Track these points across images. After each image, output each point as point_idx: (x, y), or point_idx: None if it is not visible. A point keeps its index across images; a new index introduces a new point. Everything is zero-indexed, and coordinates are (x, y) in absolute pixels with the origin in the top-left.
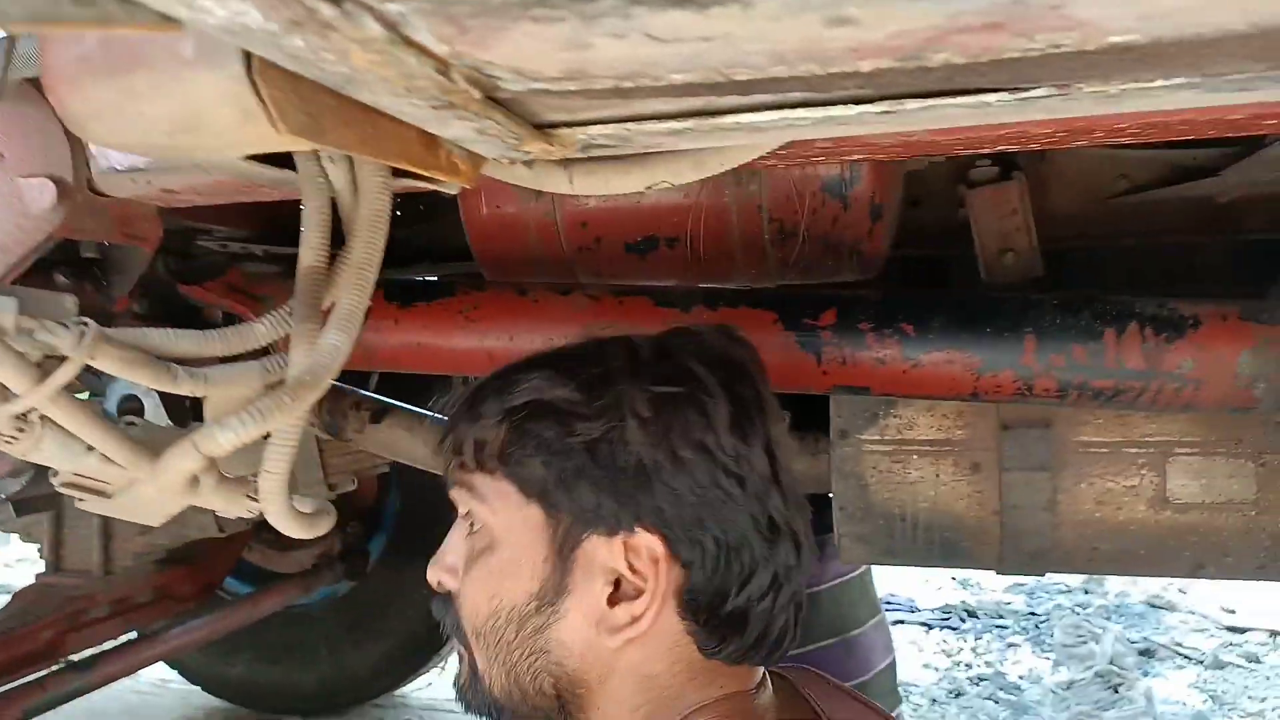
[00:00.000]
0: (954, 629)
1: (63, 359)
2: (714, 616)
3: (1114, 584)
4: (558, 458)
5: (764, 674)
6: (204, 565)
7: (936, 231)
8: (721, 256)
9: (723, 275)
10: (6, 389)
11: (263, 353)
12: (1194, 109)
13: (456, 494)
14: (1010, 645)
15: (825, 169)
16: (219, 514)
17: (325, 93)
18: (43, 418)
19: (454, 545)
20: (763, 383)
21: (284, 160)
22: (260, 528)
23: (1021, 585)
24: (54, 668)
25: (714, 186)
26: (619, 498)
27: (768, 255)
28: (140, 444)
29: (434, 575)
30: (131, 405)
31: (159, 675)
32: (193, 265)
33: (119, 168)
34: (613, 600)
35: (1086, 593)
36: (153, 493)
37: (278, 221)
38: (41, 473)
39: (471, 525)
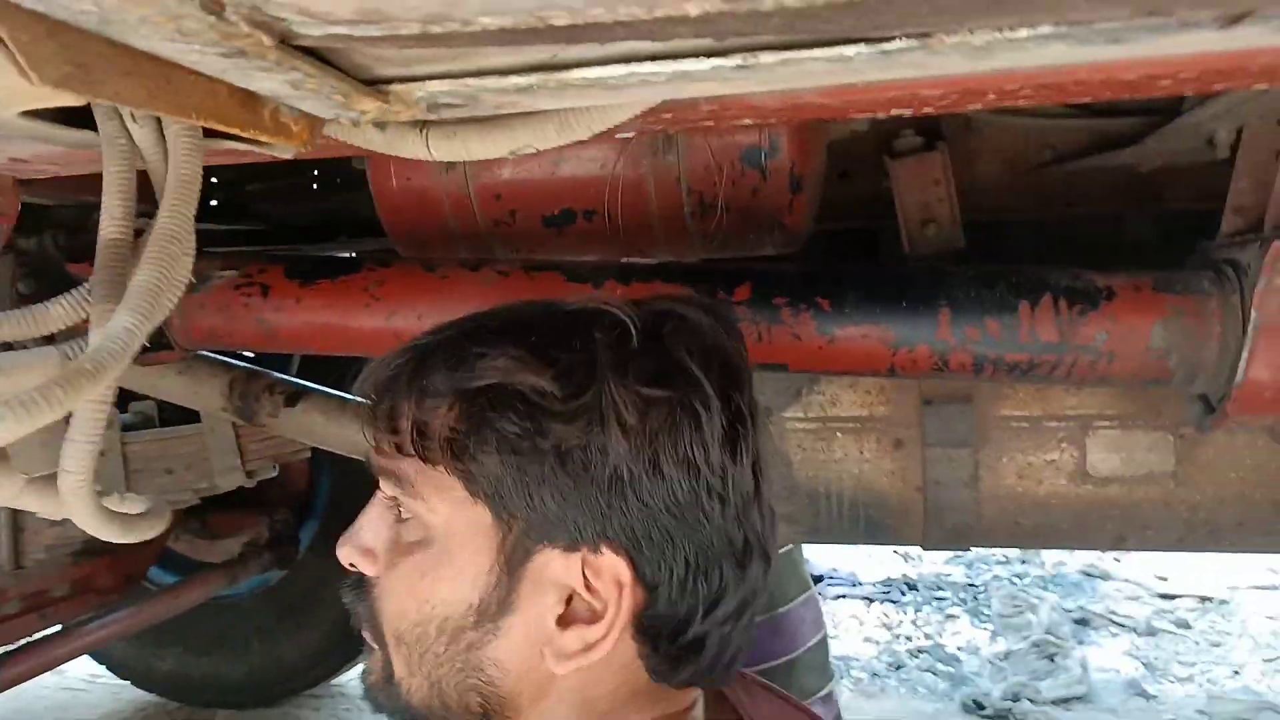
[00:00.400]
0: (894, 602)
1: None
2: (672, 643)
3: (1051, 555)
4: (520, 458)
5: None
6: (125, 557)
7: (865, 204)
8: (641, 229)
9: (643, 249)
10: None
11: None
12: (1082, 65)
13: (385, 480)
14: (949, 617)
15: (744, 138)
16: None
17: (98, 40)
18: None
19: (372, 523)
20: (752, 383)
21: (89, 121)
22: (186, 516)
23: (960, 557)
24: None
25: (631, 157)
26: (586, 511)
27: (688, 228)
28: None
29: (346, 555)
30: None
31: (88, 671)
32: (83, 242)
33: None
34: (563, 621)
35: (1024, 563)
36: None
37: None
38: None
39: (400, 512)
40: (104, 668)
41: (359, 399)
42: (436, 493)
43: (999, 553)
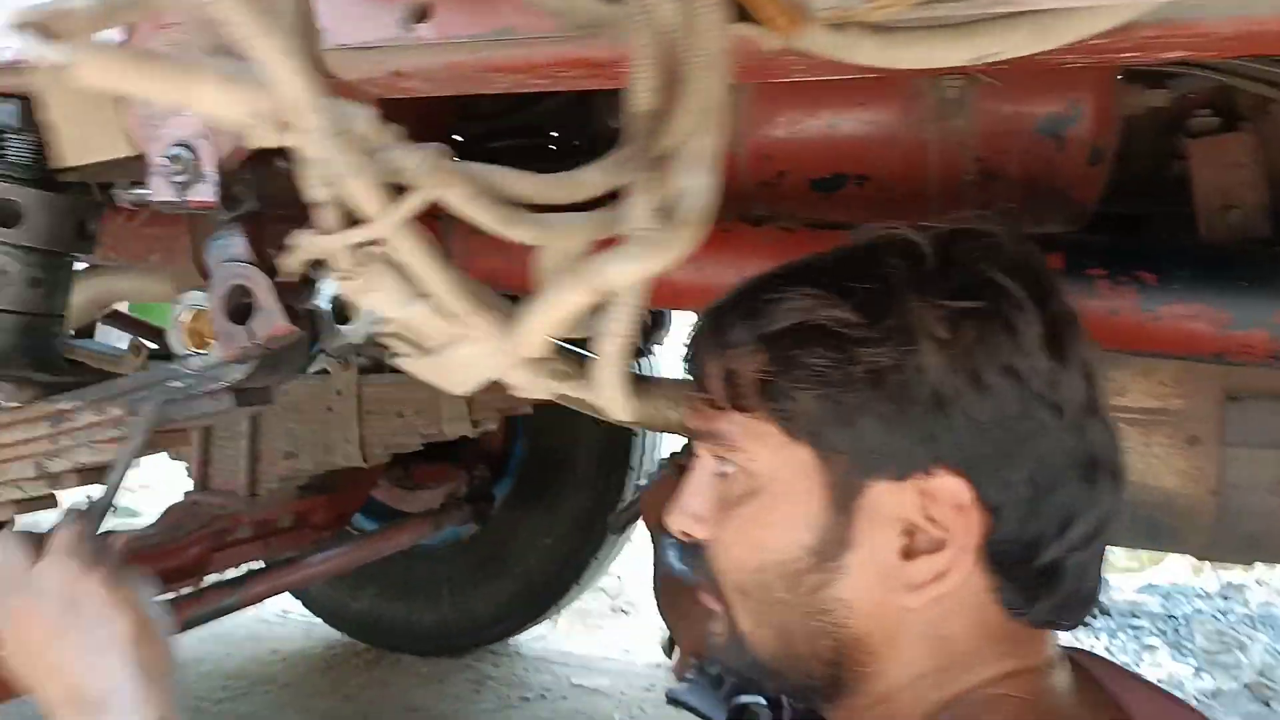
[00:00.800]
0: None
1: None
2: (1025, 570)
3: (1257, 593)
4: (834, 390)
5: (1057, 648)
6: (341, 495)
7: (1139, 187)
8: (914, 197)
9: (913, 218)
10: (345, 216)
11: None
12: None
13: (702, 441)
14: (1147, 647)
15: (1042, 105)
16: (518, 391)
17: None
18: (382, 254)
19: (697, 489)
20: (1063, 292)
21: None
22: (391, 465)
23: (1156, 586)
24: (207, 583)
25: (916, 121)
26: (911, 435)
27: (966, 198)
28: (478, 293)
29: (678, 524)
30: (344, 304)
31: (281, 606)
32: None
33: (350, 45)
34: (906, 553)
35: (1226, 599)
36: (469, 354)
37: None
38: (266, 363)
39: (722, 470)
40: (299, 603)
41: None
42: (755, 441)
43: (1199, 585)
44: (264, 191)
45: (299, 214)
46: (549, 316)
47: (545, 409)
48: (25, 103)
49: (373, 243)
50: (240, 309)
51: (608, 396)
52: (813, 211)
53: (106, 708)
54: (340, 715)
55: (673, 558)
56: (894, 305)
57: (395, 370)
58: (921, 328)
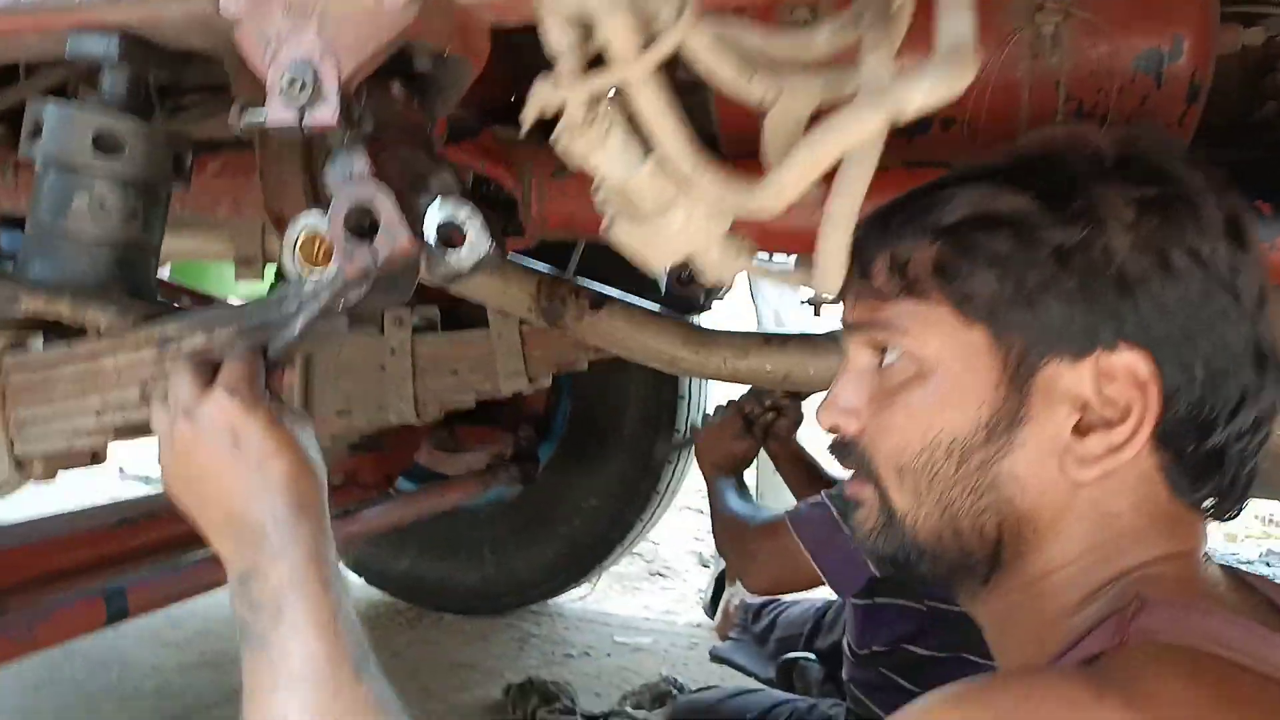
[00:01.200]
0: None
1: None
2: (1195, 452)
3: None
4: (1016, 269)
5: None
6: (389, 455)
7: (1225, 131)
8: (1002, 139)
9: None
10: (579, 65)
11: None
12: None
13: (859, 335)
14: None
15: (1140, 40)
16: (710, 263)
17: None
18: (611, 110)
19: (847, 386)
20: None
21: None
22: (434, 427)
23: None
24: None
25: (1008, 60)
26: (1095, 312)
27: None
28: (708, 154)
29: (828, 419)
30: (450, 232)
31: None
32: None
33: None
34: (1081, 429)
35: (1269, 565)
36: (683, 219)
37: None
38: (381, 285)
39: (882, 361)
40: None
41: (661, 310)
42: (926, 327)
43: (1238, 553)
44: (378, 118)
45: (410, 139)
46: (825, 149)
47: (594, 368)
48: (123, 35)
49: (612, 94)
50: (361, 229)
51: (830, 260)
52: (891, 156)
53: (264, 536)
54: (389, 671)
55: (731, 500)
56: (1077, 193)
57: (449, 328)
58: (1108, 211)
